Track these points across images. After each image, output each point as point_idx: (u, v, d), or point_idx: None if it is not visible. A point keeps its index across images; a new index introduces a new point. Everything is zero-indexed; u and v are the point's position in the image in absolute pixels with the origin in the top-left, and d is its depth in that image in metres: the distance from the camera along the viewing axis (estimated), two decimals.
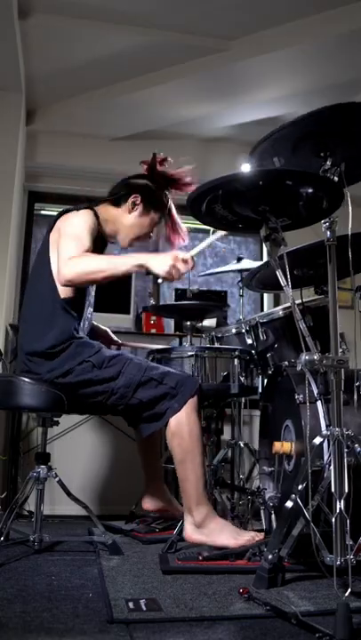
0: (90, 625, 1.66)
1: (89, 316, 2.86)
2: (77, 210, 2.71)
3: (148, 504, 3.07)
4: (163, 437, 3.44)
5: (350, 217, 2.25)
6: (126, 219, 2.90)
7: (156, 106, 4.66)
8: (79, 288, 2.66)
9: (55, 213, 2.84)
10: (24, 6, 3.72)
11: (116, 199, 2.91)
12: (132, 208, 2.89)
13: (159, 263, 2.50)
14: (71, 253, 2.49)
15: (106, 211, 2.87)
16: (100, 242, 2.83)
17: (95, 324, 3.14)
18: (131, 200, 2.89)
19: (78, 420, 4.00)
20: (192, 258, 2.58)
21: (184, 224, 2.94)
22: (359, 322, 2.34)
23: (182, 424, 2.60)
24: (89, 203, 2.80)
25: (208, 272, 4.42)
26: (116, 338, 3.26)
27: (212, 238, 2.74)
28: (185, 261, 2.54)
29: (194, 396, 2.64)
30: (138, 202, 2.89)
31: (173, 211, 2.93)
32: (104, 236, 2.86)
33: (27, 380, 2.56)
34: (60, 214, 2.74)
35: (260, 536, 2.53)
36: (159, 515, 3.12)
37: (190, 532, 2.58)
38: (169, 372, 2.69)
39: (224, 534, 2.54)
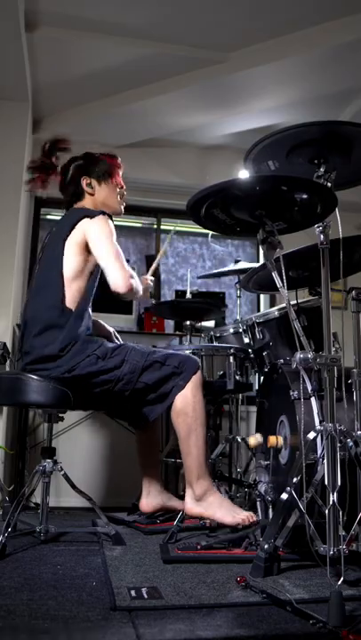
0: (94, 612, 1.68)
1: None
2: (93, 217, 2.75)
3: (145, 506, 3.08)
4: (162, 435, 3.50)
5: (339, 222, 2.31)
6: (99, 197, 3.00)
7: (157, 115, 4.70)
8: (88, 292, 2.75)
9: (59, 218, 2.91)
10: (31, 19, 3.77)
11: (75, 194, 3.01)
12: (92, 188, 3.00)
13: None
14: (124, 268, 2.67)
15: (90, 204, 2.97)
16: None
17: (102, 322, 3.19)
18: (84, 185, 2.99)
19: (82, 416, 4.07)
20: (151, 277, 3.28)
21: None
22: (351, 322, 2.40)
23: (188, 401, 2.69)
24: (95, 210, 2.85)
25: (207, 274, 4.47)
26: (118, 340, 3.26)
27: (158, 258, 3.38)
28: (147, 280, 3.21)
29: (196, 372, 2.72)
30: (89, 181, 3.00)
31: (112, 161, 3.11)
32: None
33: (34, 377, 2.58)
34: (76, 217, 2.78)
35: (255, 517, 2.61)
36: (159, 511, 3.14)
37: (190, 505, 2.67)
38: (170, 353, 2.76)
39: (222, 509, 2.62)
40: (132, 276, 2.70)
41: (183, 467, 2.76)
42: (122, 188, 3.10)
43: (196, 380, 2.72)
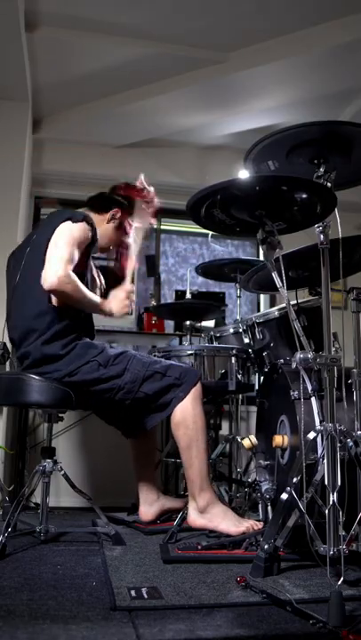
0: (94, 612, 1.69)
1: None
2: (75, 221, 2.71)
3: (144, 515, 3.07)
4: (162, 434, 3.50)
5: (339, 222, 2.32)
6: (103, 227, 3.02)
7: (157, 115, 4.72)
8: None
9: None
10: (31, 19, 3.78)
11: (99, 207, 3.05)
12: (111, 219, 3.06)
13: (118, 307, 2.88)
14: (61, 267, 2.56)
15: (98, 221, 2.96)
16: (89, 246, 2.83)
17: None
18: (112, 212, 3.05)
19: (82, 416, 4.07)
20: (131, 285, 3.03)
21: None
22: (351, 322, 2.41)
23: (187, 413, 2.69)
24: (81, 213, 2.83)
25: (206, 262, 4.39)
26: None
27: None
28: (130, 292, 2.99)
29: (196, 384, 2.73)
30: (118, 216, 3.06)
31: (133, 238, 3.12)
32: (94, 241, 2.85)
33: (35, 377, 2.59)
34: (59, 220, 2.73)
35: (260, 525, 2.60)
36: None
37: (194, 517, 2.66)
38: (171, 364, 2.77)
39: (226, 520, 2.62)
40: (69, 280, 2.58)
41: (185, 478, 2.77)
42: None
43: (195, 392, 2.73)
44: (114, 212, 3.07)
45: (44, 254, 2.64)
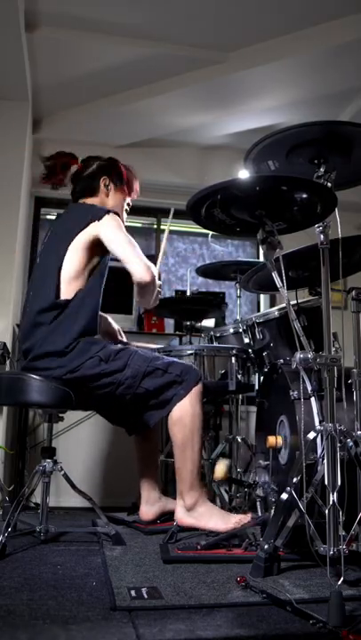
0: (94, 612, 1.69)
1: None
2: (99, 219, 2.74)
3: (145, 514, 3.06)
4: (163, 433, 3.51)
5: (339, 222, 2.32)
6: (110, 201, 3.03)
7: (157, 115, 4.72)
8: (92, 290, 2.74)
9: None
10: (31, 19, 3.79)
11: (92, 190, 3.02)
12: (107, 190, 3.03)
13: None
14: (142, 260, 2.69)
15: (99, 203, 2.97)
16: None
17: (109, 319, 3.22)
18: (102, 184, 3.02)
19: (82, 416, 4.07)
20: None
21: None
22: (351, 322, 2.41)
23: (186, 411, 2.69)
24: (100, 207, 2.85)
25: (205, 264, 4.41)
26: (123, 338, 3.27)
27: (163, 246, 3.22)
28: None
29: (198, 383, 2.72)
30: (107, 182, 3.03)
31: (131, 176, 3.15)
32: None
33: (35, 377, 2.58)
34: (83, 221, 2.76)
35: (248, 518, 2.62)
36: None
37: (181, 515, 2.68)
38: (173, 361, 2.76)
39: (213, 518, 2.64)
40: (149, 266, 2.72)
41: (176, 475, 2.77)
42: (129, 204, 3.17)
43: (196, 391, 2.73)
44: (102, 181, 3.04)
45: (58, 255, 2.72)
